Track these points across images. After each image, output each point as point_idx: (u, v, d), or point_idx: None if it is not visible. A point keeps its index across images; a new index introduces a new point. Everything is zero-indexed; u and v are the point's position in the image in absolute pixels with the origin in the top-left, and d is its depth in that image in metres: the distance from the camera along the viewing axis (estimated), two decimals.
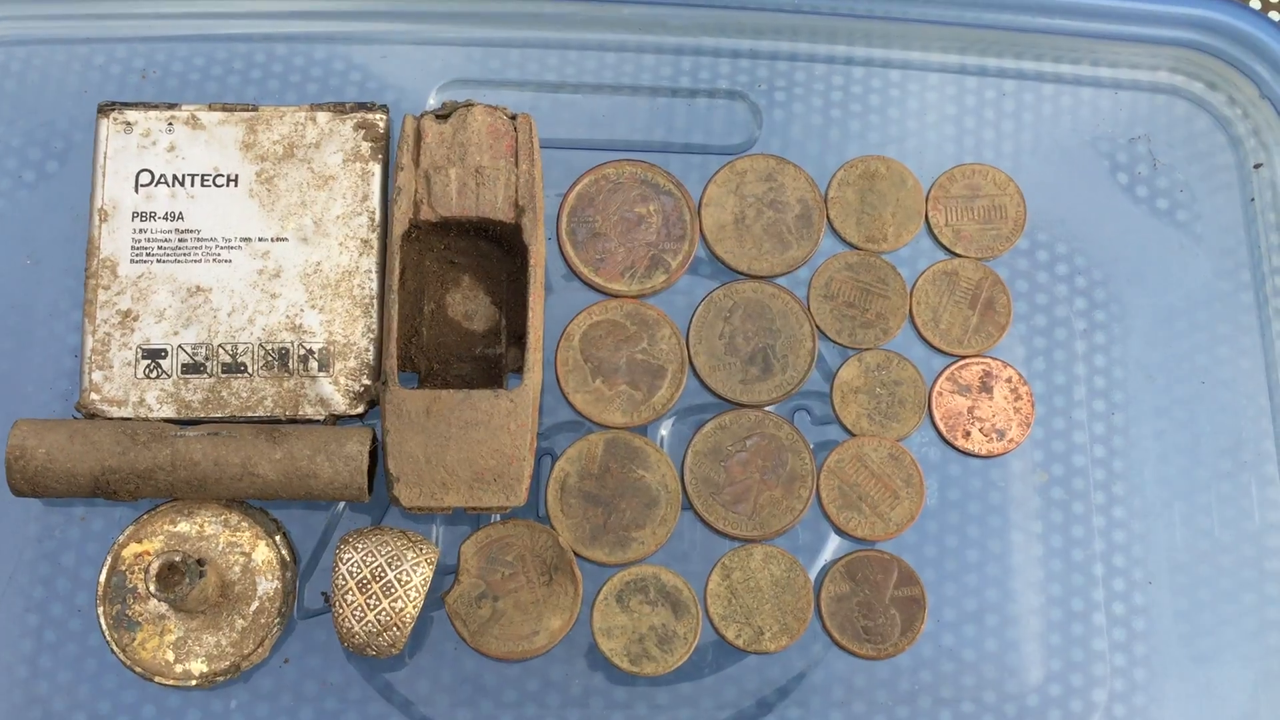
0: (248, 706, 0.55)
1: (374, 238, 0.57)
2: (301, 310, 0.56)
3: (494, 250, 0.58)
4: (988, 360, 0.59)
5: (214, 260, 0.56)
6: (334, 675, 0.55)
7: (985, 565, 0.57)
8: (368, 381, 0.56)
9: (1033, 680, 0.56)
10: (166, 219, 0.56)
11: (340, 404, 0.55)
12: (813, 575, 0.57)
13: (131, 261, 0.56)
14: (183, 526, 0.54)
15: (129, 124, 0.58)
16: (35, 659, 0.55)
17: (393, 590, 0.51)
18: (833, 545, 0.57)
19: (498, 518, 0.56)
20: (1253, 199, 0.62)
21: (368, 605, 0.51)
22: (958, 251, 0.60)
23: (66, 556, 0.56)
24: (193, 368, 0.55)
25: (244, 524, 0.55)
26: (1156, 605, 0.57)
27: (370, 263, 0.57)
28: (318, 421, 0.55)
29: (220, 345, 0.56)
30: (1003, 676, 0.56)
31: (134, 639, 0.54)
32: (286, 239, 0.57)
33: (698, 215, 0.60)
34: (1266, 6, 0.70)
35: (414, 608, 0.52)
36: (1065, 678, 0.56)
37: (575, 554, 0.56)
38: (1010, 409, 0.59)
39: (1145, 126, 0.62)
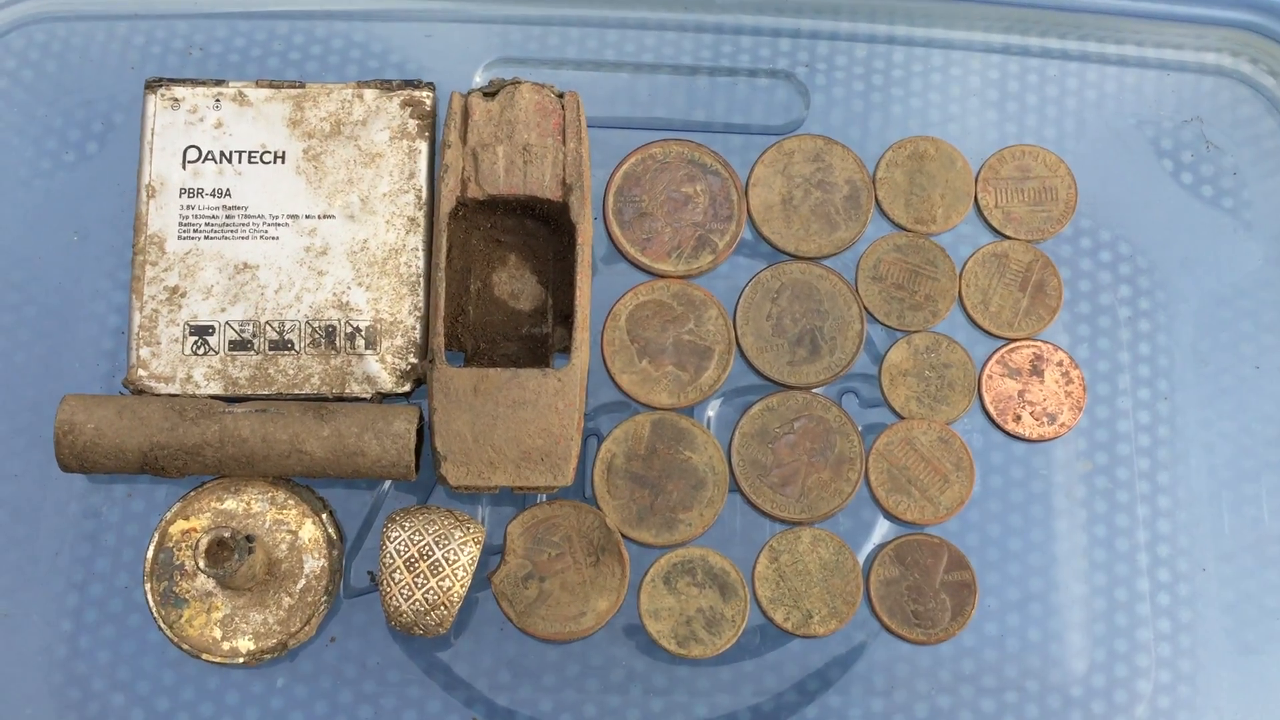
0: (299, 675, 0.55)
1: (421, 215, 0.56)
2: (348, 288, 0.56)
3: (541, 229, 0.58)
4: (1038, 343, 0.59)
5: (261, 237, 0.56)
6: (373, 658, 0.55)
7: (1028, 553, 0.57)
8: (414, 360, 0.55)
9: (1076, 670, 0.56)
10: (214, 195, 0.56)
11: (387, 382, 0.55)
12: (861, 559, 0.57)
13: (179, 238, 0.56)
14: (229, 504, 0.54)
15: (176, 100, 0.57)
16: (75, 639, 0.55)
17: (440, 569, 0.51)
18: (881, 529, 0.57)
19: (544, 498, 0.56)
20: None
21: (415, 584, 0.51)
22: (1007, 234, 0.60)
23: (107, 537, 0.56)
24: (240, 344, 0.55)
25: (290, 502, 0.55)
26: (1203, 596, 0.56)
27: (417, 241, 0.56)
28: (364, 399, 0.55)
29: (267, 322, 0.55)
30: (1046, 666, 0.56)
31: (181, 615, 0.54)
32: (333, 216, 0.56)
33: (744, 196, 0.60)
34: None
35: (461, 587, 0.52)
36: (1109, 668, 0.56)
37: (622, 535, 0.56)
38: (1061, 393, 0.58)
39: (1196, 109, 0.62)
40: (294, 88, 0.58)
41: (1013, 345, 0.59)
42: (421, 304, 0.56)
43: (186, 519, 0.54)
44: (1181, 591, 0.56)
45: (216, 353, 0.55)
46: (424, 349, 0.56)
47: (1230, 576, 0.57)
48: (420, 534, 0.52)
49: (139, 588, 0.55)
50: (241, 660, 0.53)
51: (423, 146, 0.57)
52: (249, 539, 0.52)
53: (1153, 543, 0.57)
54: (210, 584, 0.54)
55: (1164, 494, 0.58)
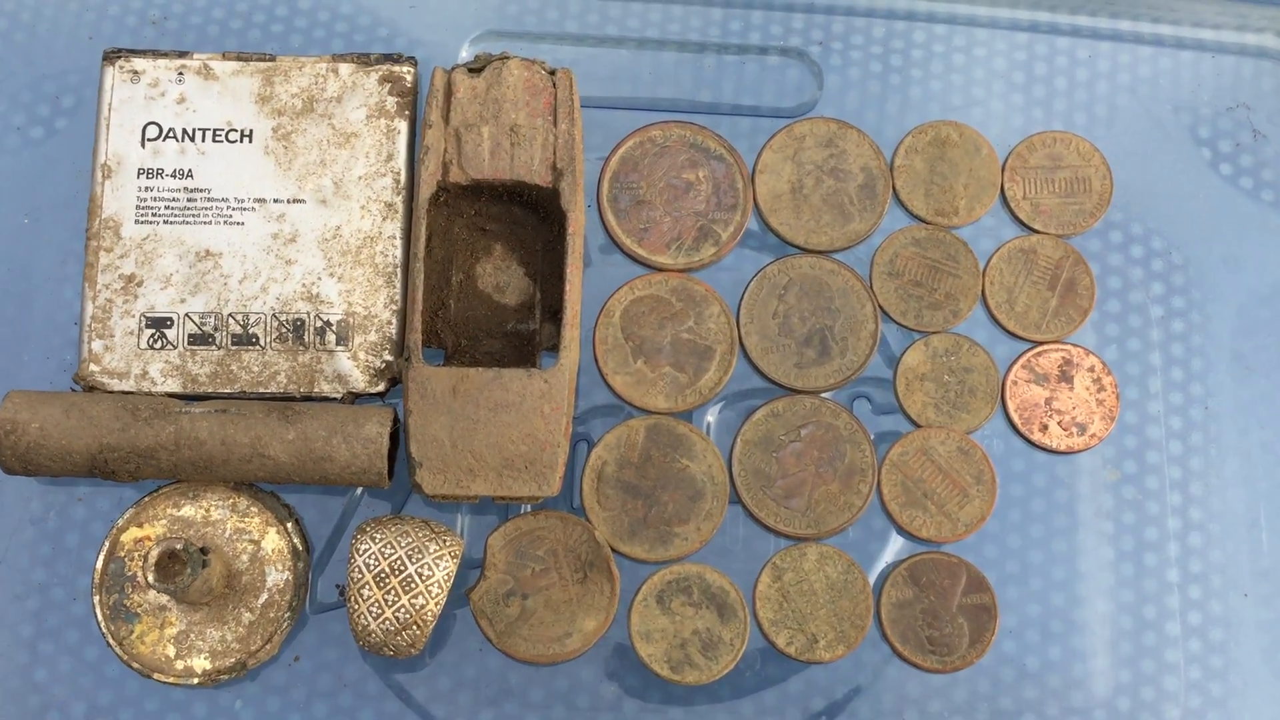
0: (258, 699, 0.54)
1: (399, 201, 0.56)
2: (319, 278, 0.55)
3: (529, 217, 0.57)
4: (1068, 347, 0.58)
5: (225, 222, 0.55)
6: (350, 670, 0.54)
7: (1051, 568, 0.56)
8: (389, 357, 0.55)
9: (1100, 693, 0.55)
10: (175, 176, 0.56)
11: (359, 381, 0.54)
12: (872, 579, 0.56)
13: (136, 222, 0.55)
14: (187, 511, 0.54)
15: (136, 73, 0.56)
16: (35, 644, 0.54)
17: (413, 585, 0.50)
18: (894, 546, 0.56)
19: (528, 508, 0.55)
20: None
21: (386, 601, 0.50)
22: (1036, 227, 0.59)
23: (70, 537, 0.55)
24: (200, 339, 0.54)
25: (253, 509, 0.54)
26: (1236, 615, 0.56)
27: (394, 228, 0.55)
28: (335, 399, 0.55)
29: (230, 315, 0.55)
30: (1068, 688, 0.55)
31: (132, 631, 0.53)
32: (304, 201, 0.56)
33: (751, 183, 0.59)
34: None
35: (436, 605, 0.50)
36: (1135, 691, 0.55)
37: (612, 549, 0.55)
38: (1093, 401, 0.57)
39: (1237, 94, 0.61)
40: (263, 60, 0.57)
41: (1040, 349, 0.58)
42: (398, 297, 0.55)
43: (140, 526, 0.53)
44: (1214, 610, 0.56)
45: (175, 347, 0.54)
46: (400, 346, 0.55)
47: (1267, 594, 0.56)
48: (392, 547, 0.50)
49: (87, 600, 0.54)
50: (196, 681, 0.52)
51: (402, 126, 0.56)
52: (203, 550, 0.51)
53: (1184, 557, 0.56)
54: (164, 598, 0.53)
55: (1197, 506, 0.57)
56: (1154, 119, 0.60)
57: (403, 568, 0.50)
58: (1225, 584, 0.56)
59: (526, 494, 0.52)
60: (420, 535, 0.51)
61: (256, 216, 0.55)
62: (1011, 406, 0.57)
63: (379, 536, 0.51)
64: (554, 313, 0.56)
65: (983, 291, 0.58)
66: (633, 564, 0.55)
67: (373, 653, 0.52)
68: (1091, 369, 0.57)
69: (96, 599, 0.52)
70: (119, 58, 0.56)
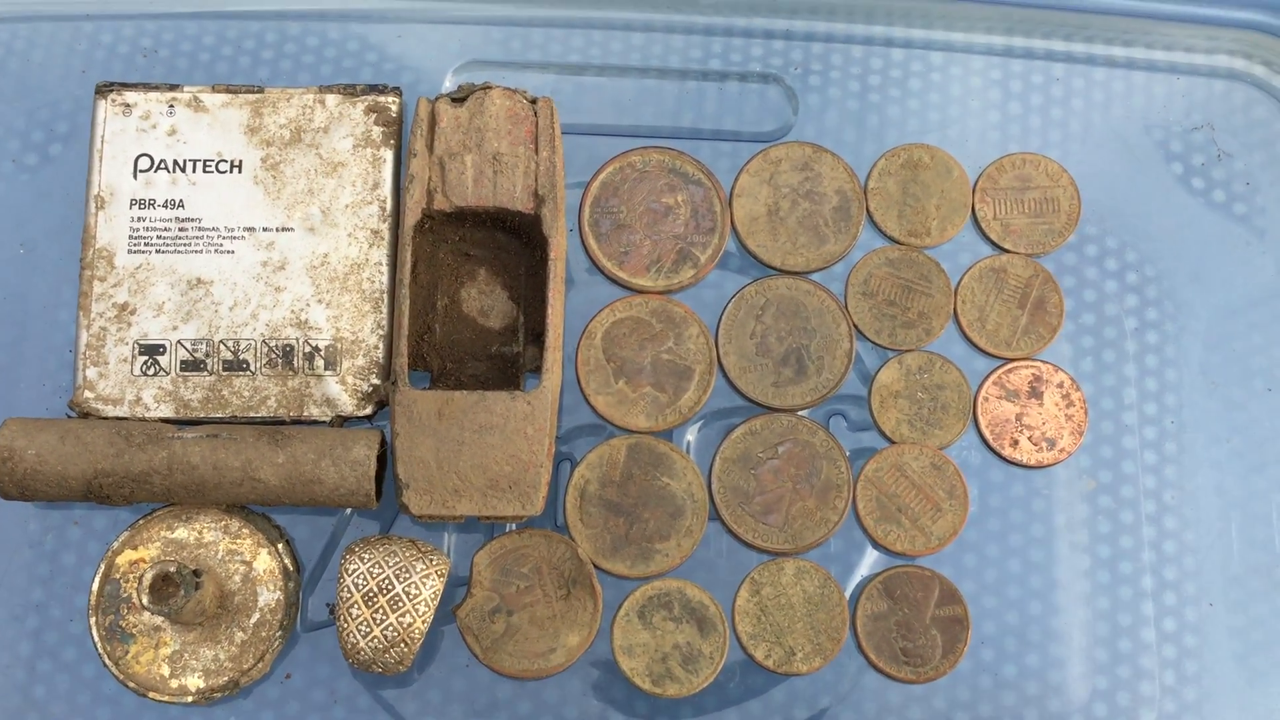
0: (251, 716, 0.54)
1: (385, 228, 0.56)
2: (307, 305, 0.55)
3: (512, 243, 0.57)
4: (1038, 364, 0.58)
5: (216, 251, 0.55)
6: (340, 689, 0.54)
7: (1027, 576, 0.56)
8: (377, 381, 0.55)
9: (1077, 699, 0.55)
10: (166, 207, 0.56)
11: (347, 405, 0.54)
12: (848, 592, 0.56)
13: (129, 251, 0.55)
14: (180, 533, 0.54)
15: (128, 105, 0.57)
16: (33, 663, 0.54)
17: (401, 604, 0.50)
18: (869, 560, 0.56)
19: (513, 527, 0.55)
20: None
21: (374, 620, 0.50)
22: (1006, 247, 0.59)
23: (66, 556, 0.55)
24: (192, 365, 0.55)
25: (245, 531, 0.54)
26: (1210, 621, 0.56)
27: (381, 255, 0.56)
28: (323, 423, 0.55)
29: (221, 341, 0.55)
30: (1045, 694, 0.55)
31: (127, 652, 0.53)
32: (292, 229, 0.56)
33: (728, 206, 0.59)
34: None
35: (423, 623, 0.51)
36: (1111, 697, 0.55)
37: (595, 566, 0.55)
38: (1062, 416, 0.57)
39: (1206, 114, 0.61)
40: (252, 92, 0.57)
41: (1010, 365, 0.58)
42: (385, 322, 0.55)
43: (135, 549, 0.53)
44: (1188, 616, 0.56)
45: (167, 373, 0.54)
46: (387, 370, 0.55)
47: (1239, 600, 0.56)
48: (380, 566, 0.51)
49: (84, 619, 0.55)
50: (190, 699, 0.52)
51: (387, 155, 0.57)
52: (196, 573, 0.51)
53: (1158, 565, 0.56)
54: (158, 619, 0.53)
55: (1170, 514, 0.57)
56: (1125, 137, 0.61)
57: (390, 587, 0.50)
58: (1198, 591, 0.56)
59: (511, 513, 0.52)
60: (407, 555, 0.51)
61: (246, 245, 0.55)
62: (983, 422, 0.57)
63: (367, 556, 0.51)
64: (537, 335, 0.56)
65: (955, 310, 0.58)
66: (615, 580, 0.55)
67: (362, 670, 0.52)
68: (1060, 385, 0.57)
69: (93, 620, 0.53)
70: (111, 91, 0.56)
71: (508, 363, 0.56)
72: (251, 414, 0.54)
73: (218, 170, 0.56)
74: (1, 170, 0.59)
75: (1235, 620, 0.56)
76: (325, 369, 0.54)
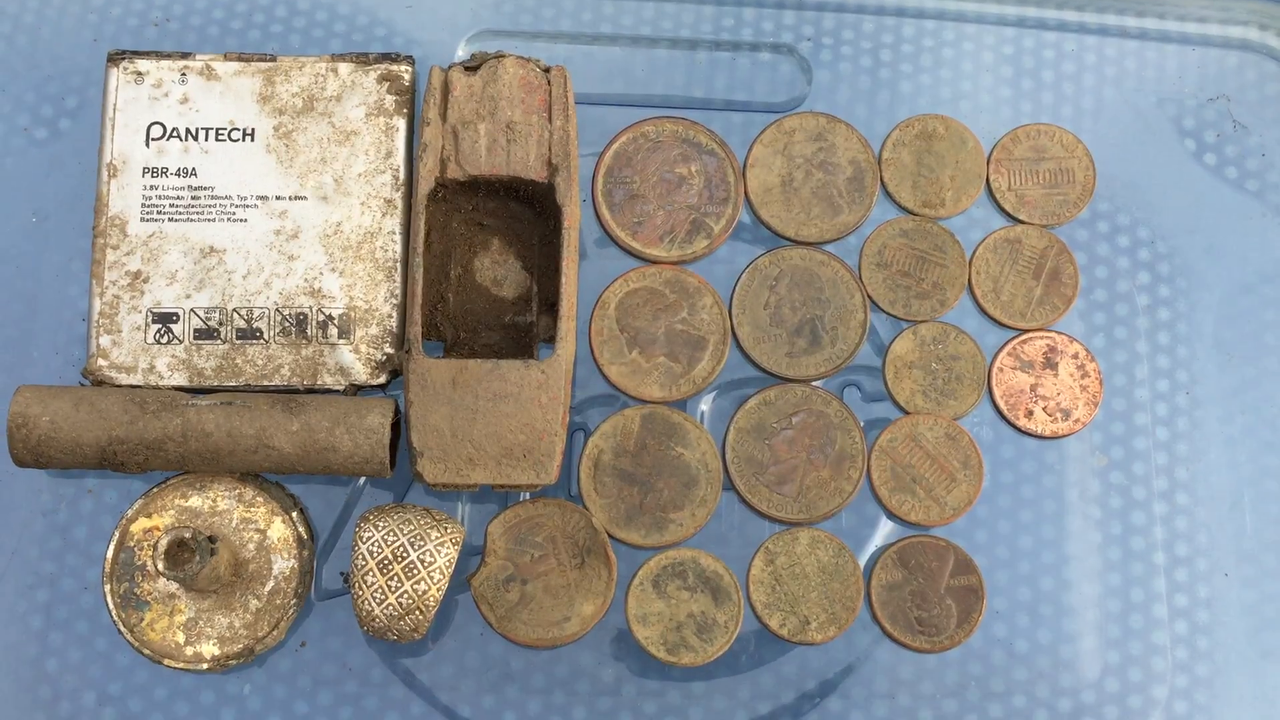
0: (264, 688, 0.54)
1: (398, 197, 0.56)
2: (321, 273, 0.55)
3: (525, 212, 0.57)
4: (1052, 334, 0.58)
5: (229, 219, 0.55)
6: (354, 658, 0.54)
7: (1040, 552, 0.56)
8: (390, 350, 0.55)
9: (1089, 675, 0.55)
10: (179, 175, 0.56)
11: (361, 373, 0.54)
12: (862, 562, 0.56)
13: (142, 220, 0.55)
14: (195, 501, 0.53)
15: (140, 74, 0.56)
16: (45, 635, 0.54)
17: (415, 572, 0.50)
18: (884, 530, 0.56)
19: (527, 496, 0.55)
20: None
21: (389, 587, 0.50)
22: (1021, 218, 0.59)
23: (78, 530, 0.55)
24: (206, 333, 0.54)
25: (259, 499, 0.54)
26: (1222, 597, 0.56)
27: (394, 224, 0.55)
28: (337, 391, 0.55)
29: (235, 310, 0.55)
30: (1057, 670, 0.55)
31: (142, 619, 0.53)
32: (305, 198, 0.55)
33: (742, 177, 0.59)
34: None
35: (438, 590, 0.51)
36: (1123, 672, 0.55)
37: (609, 536, 0.55)
38: (1077, 387, 0.57)
39: (1221, 86, 0.61)
40: (264, 61, 0.57)
41: (1025, 336, 0.58)
42: (398, 291, 0.55)
43: (149, 516, 0.53)
44: (1200, 592, 0.56)
45: (181, 342, 0.54)
46: (400, 338, 0.55)
47: (1252, 577, 0.56)
48: (395, 534, 0.51)
49: (96, 591, 0.55)
50: (205, 666, 0.52)
51: (400, 124, 0.56)
52: (211, 539, 0.51)
53: (1170, 541, 0.56)
54: (173, 586, 0.53)
55: (1183, 490, 0.57)
56: (1139, 110, 0.60)
57: (405, 554, 0.50)
58: (1210, 567, 0.56)
59: (525, 482, 0.52)
60: (422, 523, 0.51)
61: (259, 213, 0.55)
62: (998, 393, 0.57)
63: (382, 524, 0.51)
64: (550, 305, 0.56)
65: (969, 281, 0.58)
66: (629, 549, 0.55)
67: (377, 638, 0.52)
68: (1075, 355, 0.57)
69: (107, 588, 0.53)
70: (123, 59, 0.56)
71: (521, 332, 0.56)
72: (265, 382, 0.54)
73: (230, 139, 0.56)
74: (13, 141, 0.59)
75: (1247, 596, 0.56)
76: (339, 338, 0.54)
